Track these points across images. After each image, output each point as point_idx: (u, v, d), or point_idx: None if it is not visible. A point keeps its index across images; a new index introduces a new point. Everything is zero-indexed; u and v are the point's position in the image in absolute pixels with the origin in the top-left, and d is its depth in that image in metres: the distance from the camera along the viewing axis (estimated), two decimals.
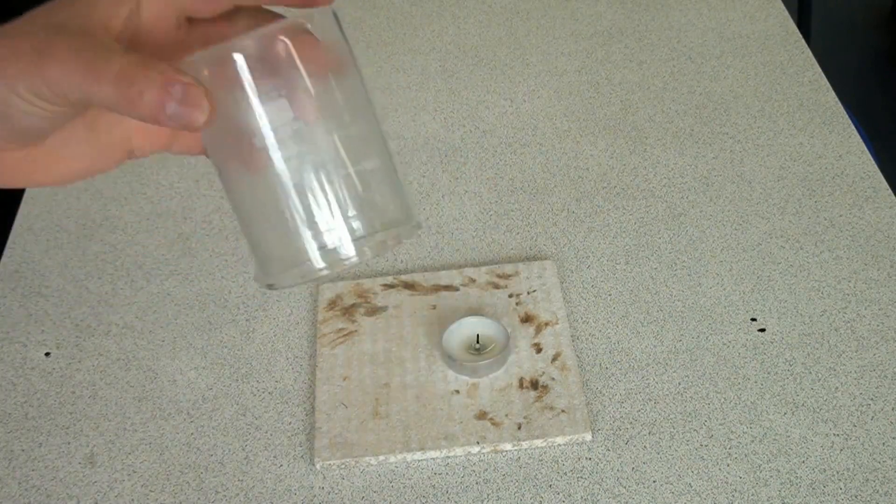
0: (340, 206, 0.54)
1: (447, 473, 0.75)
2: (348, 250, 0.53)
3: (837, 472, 0.73)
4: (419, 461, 0.76)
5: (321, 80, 0.51)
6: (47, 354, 0.85)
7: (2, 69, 0.47)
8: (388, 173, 0.55)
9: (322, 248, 0.54)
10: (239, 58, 0.49)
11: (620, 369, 0.81)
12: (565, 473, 0.74)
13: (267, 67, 0.50)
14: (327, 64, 0.52)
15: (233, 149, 0.52)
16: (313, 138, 0.52)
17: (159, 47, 0.51)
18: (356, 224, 0.54)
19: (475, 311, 0.84)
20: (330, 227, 0.53)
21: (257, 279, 0.55)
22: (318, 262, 0.54)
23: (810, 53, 1.12)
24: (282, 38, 0.50)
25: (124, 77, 0.47)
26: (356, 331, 0.84)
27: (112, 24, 0.50)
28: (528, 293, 0.86)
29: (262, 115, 0.50)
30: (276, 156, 0.51)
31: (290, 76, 0.50)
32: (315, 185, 0.54)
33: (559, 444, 0.76)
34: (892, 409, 0.77)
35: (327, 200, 0.53)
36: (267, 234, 0.55)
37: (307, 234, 0.53)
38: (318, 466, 0.75)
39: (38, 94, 0.48)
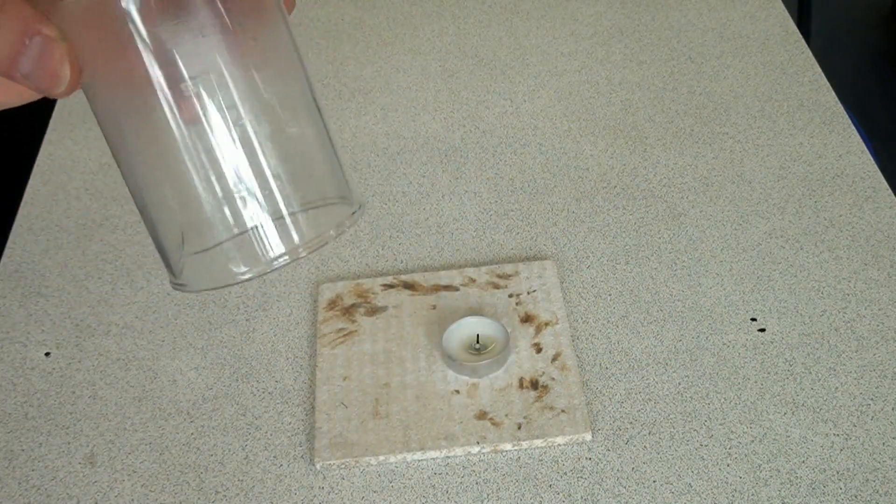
0: (266, 197, 0.44)
1: (447, 473, 0.75)
2: (278, 251, 0.45)
3: (837, 472, 0.73)
4: (419, 461, 0.76)
5: (238, 23, 0.42)
6: (47, 354, 0.85)
7: None
8: (321, 141, 0.47)
9: (245, 249, 0.45)
10: None
11: (620, 369, 0.81)
12: (565, 473, 0.74)
13: (169, 5, 0.41)
14: (245, 6, 0.43)
15: (127, 111, 0.42)
16: (225, 98, 0.42)
17: None
18: (290, 221, 0.45)
19: (475, 311, 0.84)
20: (255, 220, 0.44)
21: (173, 281, 0.47)
22: (240, 266, 0.45)
23: (810, 53, 1.12)
24: None
25: None
26: (356, 331, 0.84)
27: None
28: (528, 293, 0.86)
29: (155, 64, 0.41)
30: (179, 123, 0.42)
31: (196, 14, 0.41)
32: (233, 164, 0.44)
33: (559, 444, 0.76)
34: (892, 409, 0.77)
35: (251, 189, 0.44)
36: (175, 227, 0.46)
37: (225, 232, 0.44)
38: (318, 466, 0.75)
39: None
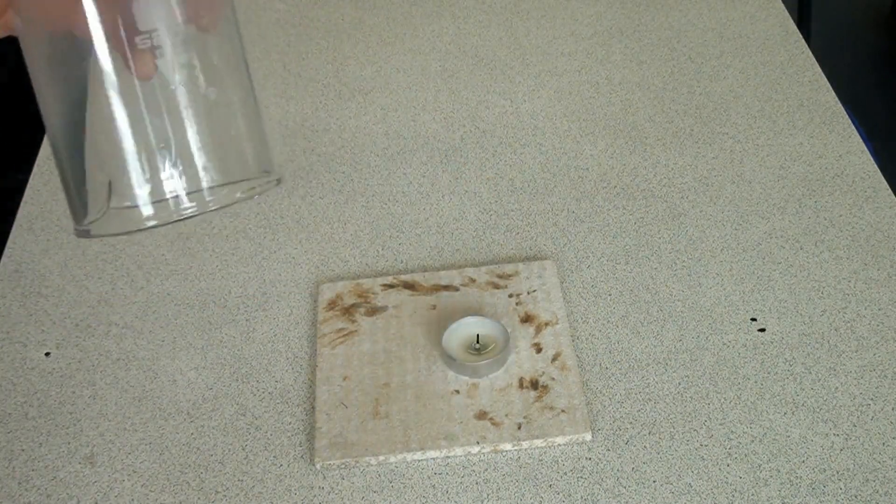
0: (183, 144, 0.46)
1: (447, 473, 0.75)
2: (186, 202, 0.47)
3: (837, 472, 0.73)
4: (419, 461, 0.76)
5: None
6: (47, 354, 0.85)
7: None
8: (247, 112, 0.48)
9: (155, 196, 0.47)
10: None
11: (620, 369, 0.81)
12: (565, 473, 0.74)
13: None
14: None
15: (63, 57, 0.43)
16: (162, 57, 0.43)
17: None
18: (202, 171, 0.47)
19: (475, 311, 0.84)
20: (168, 173, 0.46)
21: (77, 227, 0.48)
22: (148, 209, 0.47)
23: (810, 53, 1.12)
24: None
25: None
26: (356, 331, 0.84)
27: None
28: (528, 293, 0.86)
29: (96, 14, 0.42)
30: (108, 66, 0.43)
31: None
32: (154, 112, 0.45)
33: (559, 444, 0.76)
34: (892, 409, 0.77)
35: (166, 133, 0.46)
36: (90, 168, 0.47)
37: (139, 178, 0.46)
38: (318, 466, 0.75)
39: None
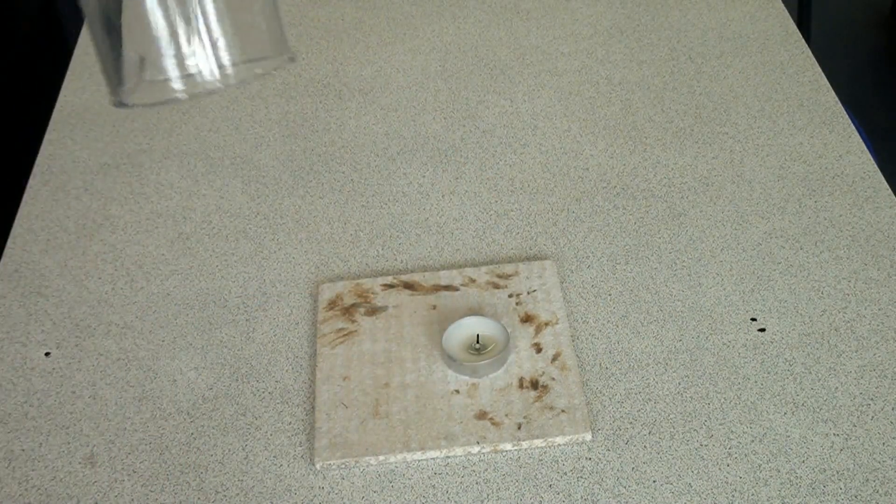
0: (207, 25, 0.53)
1: (447, 473, 0.75)
2: (210, 76, 0.54)
3: (837, 472, 0.73)
4: (419, 461, 0.76)
5: None
6: (47, 354, 0.85)
7: None
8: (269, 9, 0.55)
9: (183, 70, 0.54)
10: None
11: (620, 369, 0.81)
12: (565, 473, 0.74)
13: None
14: None
15: None
16: None
17: None
18: (224, 49, 0.54)
19: (475, 311, 0.84)
20: (193, 50, 0.53)
21: (113, 98, 0.54)
22: (178, 83, 0.54)
23: (810, 53, 1.12)
24: None
25: None
26: (356, 331, 0.84)
27: None
28: (528, 293, 0.86)
29: None
30: None
31: None
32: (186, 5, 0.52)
33: (559, 444, 0.76)
34: (892, 409, 0.77)
35: (192, 15, 0.52)
36: (125, 43, 0.53)
37: (168, 52, 0.53)
38: (318, 466, 0.75)
39: None
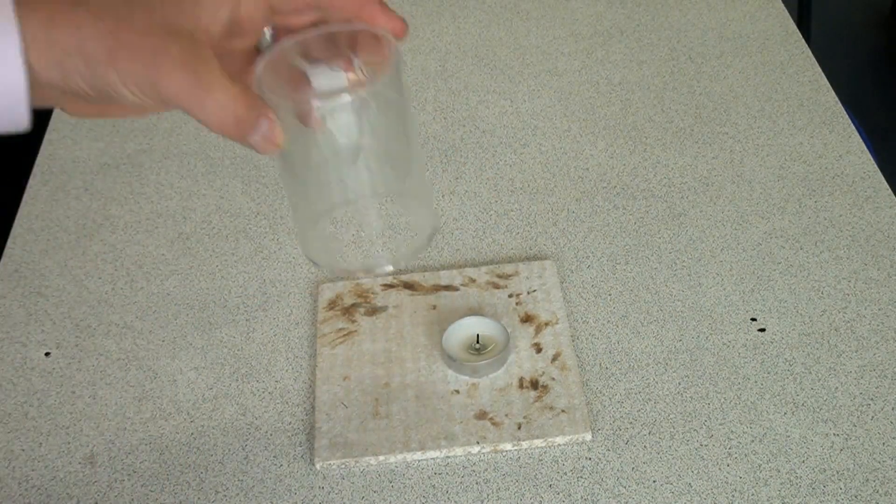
0: (381, 216, 0.61)
1: (447, 473, 0.75)
2: (384, 263, 0.61)
3: (837, 472, 0.73)
4: (419, 461, 0.76)
5: (374, 76, 0.58)
6: (47, 354, 0.85)
7: (117, 60, 0.52)
8: (423, 183, 0.64)
9: (366, 263, 0.62)
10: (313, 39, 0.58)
11: (620, 369, 0.81)
12: (565, 473, 0.74)
13: (330, 51, 0.59)
14: (382, 65, 0.58)
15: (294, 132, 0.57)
16: (355, 116, 0.57)
17: (244, 36, 0.58)
18: (395, 242, 0.62)
19: (475, 311, 0.84)
20: (371, 243, 0.61)
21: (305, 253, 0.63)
22: (360, 271, 0.64)
23: (810, 53, 1.12)
24: (354, 32, 0.58)
25: (230, 111, 0.54)
26: (356, 331, 0.84)
27: (213, 29, 0.55)
28: (528, 293, 0.86)
29: (317, 80, 0.58)
30: (324, 127, 0.57)
31: (346, 59, 0.58)
32: (355, 177, 0.61)
33: (559, 444, 0.76)
34: (892, 409, 0.77)
35: (372, 207, 0.61)
36: (315, 218, 0.62)
37: (356, 253, 0.61)
38: (318, 466, 0.75)
39: (144, 93, 0.53)
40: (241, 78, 0.56)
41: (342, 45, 0.59)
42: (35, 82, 0.53)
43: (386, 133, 0.60)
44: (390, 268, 0.63)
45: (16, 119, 0.54)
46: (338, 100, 0.57)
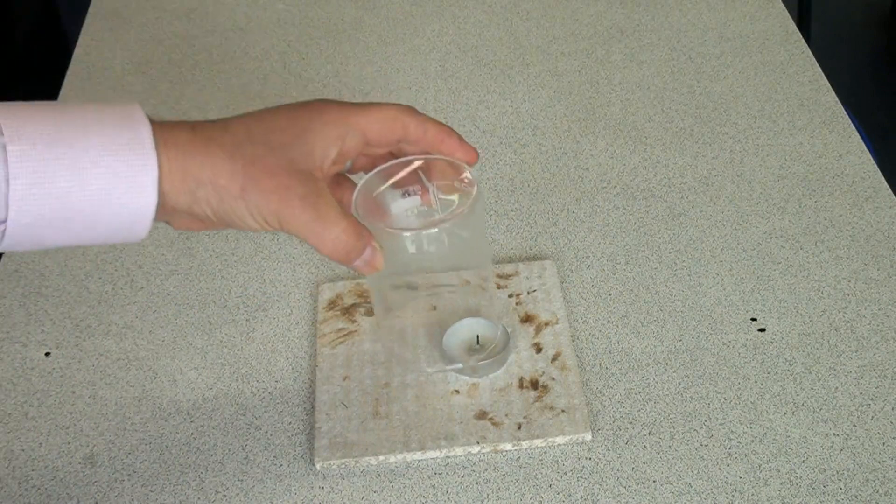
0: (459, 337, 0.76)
1: (447, 473, 0.75)
2: (457, 368, 0.78)
3: (837, 472, 0.73)
4: (419, 461, 0.76)
5: (456, 209, 0.69)
6: (47, 354, 0.85)
7: (248, 194, 0.61)
8: (493, 293, 0.77)
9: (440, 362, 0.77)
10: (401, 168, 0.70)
11: (620, 369, 0.81)
12: (565, 473, 0.74)
13: (410, 177, 0.70)
14: (462, 199, 0.69)
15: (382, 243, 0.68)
16: (438, 238, 0.68)
17: (339, 163, 0.66)
18: (472, 353, 0.76)
19: (475, 312, 0.84)
20: (452, 356, 0.78)
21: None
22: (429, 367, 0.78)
23: (810, 53, 1.12)
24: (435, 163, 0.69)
25: (342, 242, 0.64)
26: (356, 331, 0.84)
27: (325, 166, 0.64)
28: (528, 293, 0.86)
29: (397, 203, 0.69)
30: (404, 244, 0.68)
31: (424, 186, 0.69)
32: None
33: (559, 444, 0.76)
34: (892, 409, 0.77)
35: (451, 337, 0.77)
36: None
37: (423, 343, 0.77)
38: (318, 466, 0.75)
39: (269, 224, 0.63)
40: (332, 191, 0.65)
41: (421, 172, 0.69)
42: (161, 206, 0.60)
43: (461, 251, 0.71)
44: (459, 366, 0.78)
45: (134, 235, 0.61)
46: (424, 232, 0.67)
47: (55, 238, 0.59)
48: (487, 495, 0.73)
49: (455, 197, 0.70)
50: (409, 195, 0.69)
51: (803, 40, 1.14)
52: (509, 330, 0.82)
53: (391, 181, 0.70)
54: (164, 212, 0.62)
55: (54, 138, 0.57)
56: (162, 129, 0.60)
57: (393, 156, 0.70)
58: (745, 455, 0.74)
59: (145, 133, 0.59)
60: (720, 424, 0.76)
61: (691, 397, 0.78)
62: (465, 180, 0.69)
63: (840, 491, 0.72)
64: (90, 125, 0.58)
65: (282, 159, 0.62)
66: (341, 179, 0.70)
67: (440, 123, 0.69)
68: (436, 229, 0.68)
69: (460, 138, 0.69)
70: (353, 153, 0.66)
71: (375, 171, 0.69)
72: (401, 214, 0.69)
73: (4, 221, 0.57)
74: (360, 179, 0.70)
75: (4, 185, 0.56)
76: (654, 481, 0.73)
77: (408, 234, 0.68)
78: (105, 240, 0.61)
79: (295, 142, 0.63)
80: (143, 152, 0.59)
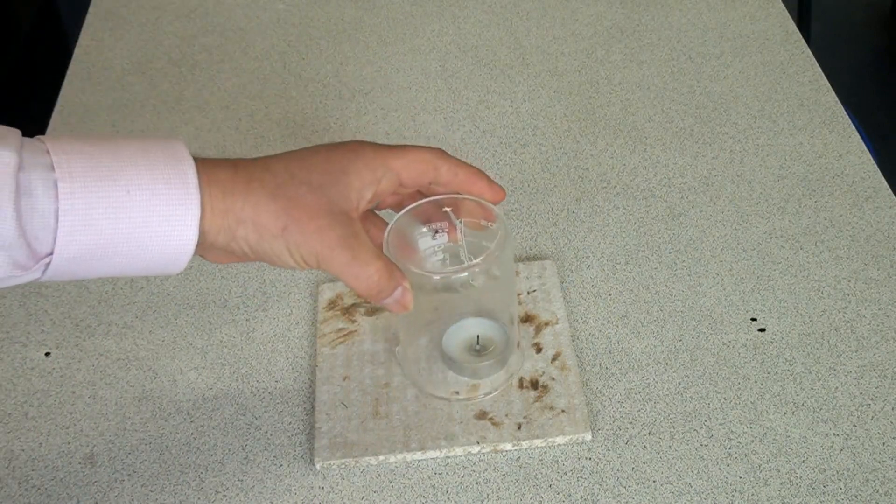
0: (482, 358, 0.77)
1: (447, 473, 0.75)
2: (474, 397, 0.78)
3: (837, 472, 0.73)
4: (419, 461, 0.76)
5: (485, 253, 0.71)
6: (47, 354, 0.85)
7: (289, 234, 0.63)
8: (514, 333, 0.78)
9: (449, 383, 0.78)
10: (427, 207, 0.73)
11: (620, 369, 0.81)
12: (565, 473, 0.74)
13: (439, 215, 0.72)
14: (489, 237, 0.72)
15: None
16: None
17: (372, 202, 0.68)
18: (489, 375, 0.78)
19: (475, 312, 0.84)
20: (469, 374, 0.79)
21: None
22: (443, 390, 0.78)
23: (810, 53, 1.12)
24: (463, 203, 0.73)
25: (374, 282, 0.66)
26: (356, 331, 0.84)
27: (360, 206, 0.66)
28: (528, 293, 0.86)
29: (423, 236, 0.72)
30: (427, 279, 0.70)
31: (449, 225, 0.73)
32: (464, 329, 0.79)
33: (559, 444, 0.76)
34: (892, 409, 0.77)
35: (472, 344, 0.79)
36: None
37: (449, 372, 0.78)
38: (318, 466, 0.75)
39: (308, 263, 0.64)
40: (364, 226, 0.67)
41: (451, 211, 0.73)
42: (200, 243, 0.62)
43: (488, 293, 0.75)
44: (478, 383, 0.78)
45: (171, 269, 0.63)
46: (453, 277, 0.70)
47: (95, 270, 0.61)
48: (487, 495, 0.73)
49: (482, 235, 0.73)
50: (437, 233, 0.73)
51: (803, 40, 1.14)
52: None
53: (419, 219, 0.73)
54: (203, 248, 0.63)
55: (102, 175, 0.59)
56: (205, 166, 0.63)
57: (420, 194, 0.72)
58: (745, 455, 0.74)
59: (189, 172, 0.61)
60: (720, 424, 0.76)
61: (691, 397, 0.78)
62: (493, 221, 0.72)
63: (840, 491, 0.72)
64: (138, 161, 0.60)
65: (321, 199, 0.64)
66: (369, 214, 0.72)
67: (470, 166, 0.72)
68: (465, 273, 0.70)
69: (489, 179, 0.72)
70: (386, 194, 0.69)
71: (406, 210, 0.72)
72: (428, 252, 0.72)
73: (51, 254, 0.59)
74: (391, 217, 0.73)
75: (54, 221, 0.58)
76: (654, 481, 0.73)
77: (437, 276, 0.71)
78: (142, 273, 0.63)
79: (333, 182, 0.65)
80: (187, 191, 0.61)
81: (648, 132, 1.03)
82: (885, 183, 0.96)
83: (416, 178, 0.69)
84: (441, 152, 0.71)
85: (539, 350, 0.81)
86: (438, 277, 0.71)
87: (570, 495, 0.73)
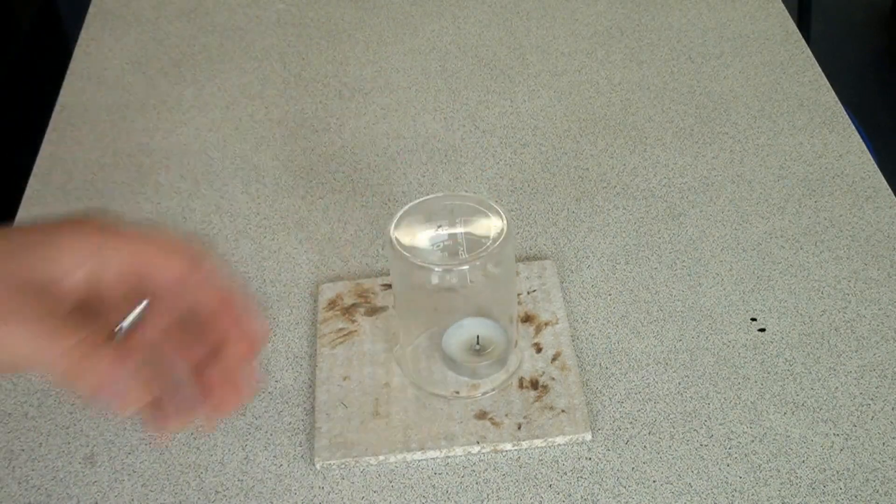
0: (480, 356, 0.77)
1: (447, 473, 0.75)
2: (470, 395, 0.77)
3: (837, 472, 0.73)
4: (419, 461, 0.76)
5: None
6: None
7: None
8: (512, 334, 0.79)
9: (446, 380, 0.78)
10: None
11: (620, 369, 0.81)
12: (565, 473, 0.74)
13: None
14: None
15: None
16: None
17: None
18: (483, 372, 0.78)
19: (475, 312, 0.84)
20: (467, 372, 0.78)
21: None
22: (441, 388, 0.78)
23: (810, 53, 1.12)
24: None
25: (71, 373, 0.52)
26: (356, 331, 0.84)
27: (69, 281, 0.53)
28: (528, 293, 0.86)
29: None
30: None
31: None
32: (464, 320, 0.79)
33: (559, 444, 0.76)
34: (892, 409, 0.77)
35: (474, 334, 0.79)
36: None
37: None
38: (318, 466, 0.75)
39: None
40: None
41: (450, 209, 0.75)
42: None
43: (488, 292, 0.77)
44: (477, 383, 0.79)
45: None
46: (455, 269, 0.73)
47: None
48: (487, 495, 0.73)
49: (482, 233, 0.74)
50: (440, 228, 0.75)
51: (803, 40, 1.14)
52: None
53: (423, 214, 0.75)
54: None
55: None
56: None
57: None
58: (745, 455, 0.74)
59: None
60: (720, 424, 0.76)
61: (691, 397, 0.78)
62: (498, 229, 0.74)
63: (840, 491, 0.72)
64: None
65: (9, 287, 0.52)
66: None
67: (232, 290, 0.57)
68: (466, 266, 0.72)
69: (246, 309, 0.57)
70: (124, 279, 0.55)
71: (412, 203, 0.75)
72: (429, 247, 0.74)
73: None
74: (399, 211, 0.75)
75: None
76: (654, 481, 0.73)
77: (437, 268, 0.72)
78: None
79: (32, 259, 0.54)
80: None
81: (648, 132, 1.03)
82: (885, 183, 0.96)
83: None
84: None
85: (539, 350, 0.81)
86: (440, 269, 0.72)
87: (570, 495, 0.73)
